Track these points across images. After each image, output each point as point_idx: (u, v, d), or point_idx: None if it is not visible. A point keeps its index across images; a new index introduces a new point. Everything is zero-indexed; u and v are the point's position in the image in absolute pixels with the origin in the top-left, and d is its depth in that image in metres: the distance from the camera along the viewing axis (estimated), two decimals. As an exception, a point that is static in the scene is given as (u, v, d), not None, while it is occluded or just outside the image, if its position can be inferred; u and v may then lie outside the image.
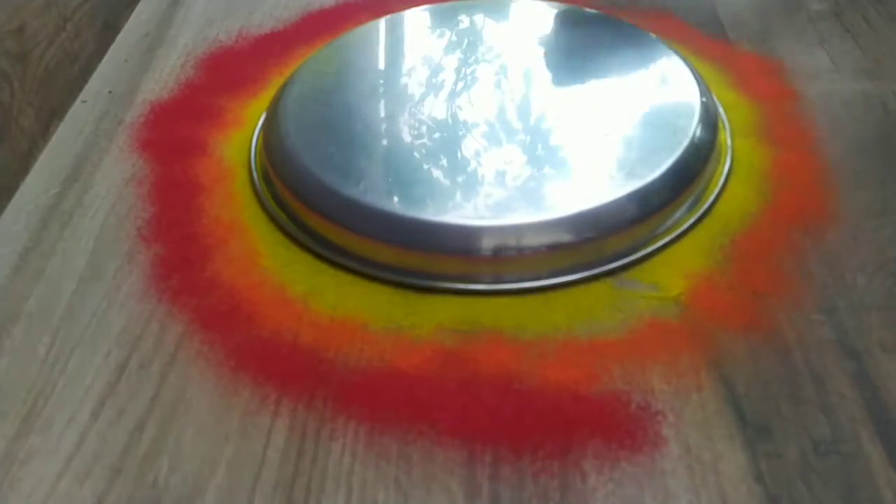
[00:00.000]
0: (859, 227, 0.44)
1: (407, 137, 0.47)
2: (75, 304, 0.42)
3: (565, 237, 0.42)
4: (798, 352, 0.38)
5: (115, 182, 0.49)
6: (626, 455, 0.34)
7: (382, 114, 0.50)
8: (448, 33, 0.56)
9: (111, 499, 0.34)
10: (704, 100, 0.49)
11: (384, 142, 0.48)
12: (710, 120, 0.48)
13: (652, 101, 0.49)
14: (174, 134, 0.53)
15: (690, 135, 0.46)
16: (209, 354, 0.39)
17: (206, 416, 0.36)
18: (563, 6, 0.59)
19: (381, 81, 0.53)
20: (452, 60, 0.54)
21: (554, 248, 0.42)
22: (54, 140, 0.53)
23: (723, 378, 0.37)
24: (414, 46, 0.56)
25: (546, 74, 0.52)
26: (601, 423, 0.35)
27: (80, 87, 0.57)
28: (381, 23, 0.58)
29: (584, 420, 0.35)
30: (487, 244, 0.42)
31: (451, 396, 0.37)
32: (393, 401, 0.37)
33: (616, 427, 0.35)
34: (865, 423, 0.35)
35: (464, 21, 0.58)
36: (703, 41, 0.58)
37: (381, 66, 0.55)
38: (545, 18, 0.58)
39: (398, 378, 0.38)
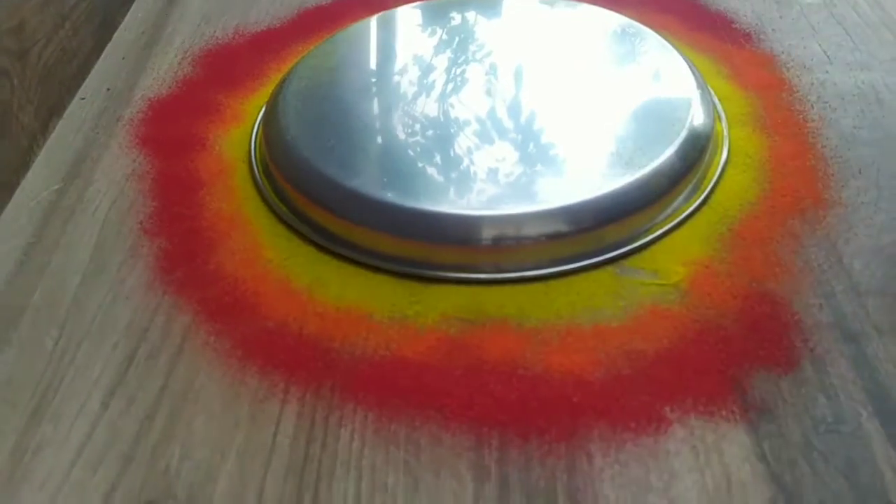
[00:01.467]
0: (854, 214, 0.44)
1: (407, 128, 0.48)
2: (81, 297, 0.42)
3: (566, 226, 0.42)
4: (797, 335, 0.38)
5: (116, 178, 0.50)
6: (631, 437, 0.35)
7: (382, 106, 0.50)
8: (445, 28, 0.57)
9: (124, 486, 0.34)
10: (700, 91, 0.49)
11: (384, 133, 0.48)
12: (706, 111, 0.48)
13: (650, 93, 0.50)
14: (173, 130, 0.53)
15: (688, 125, 0.46)
16: (216, 345, 0.39)
17: (215, 404, 0.37)
18: (556, 1, 0.59)
19: (380, 75, 0.53)
20: (451, 51, 0.54)
21: (555, 237, 0.42)
22: (54, 137, 0.53)
23: (724, 361, 0.37)
24: (411, 41, 0.57)
25: (547, 68, 0.53)
26: (606, 406, 0.36)
27: (79, 85, 0.57)
28: (377, 19, 0.58)
29: (589, 404, 0.36)
30: (489, 233, 0.42)
31: (458, 382, 0.37)
32: (400, 387, 0.37)
33: (620, 410, 0.36)
34: (864, 403, 0.35)
35: (459, 17, 0.58)
36: (698, 34, 0.59)
37: (379, 60, 0.55)
38: (542, 14, 0.59)
39: (404, 365, 0.38)
